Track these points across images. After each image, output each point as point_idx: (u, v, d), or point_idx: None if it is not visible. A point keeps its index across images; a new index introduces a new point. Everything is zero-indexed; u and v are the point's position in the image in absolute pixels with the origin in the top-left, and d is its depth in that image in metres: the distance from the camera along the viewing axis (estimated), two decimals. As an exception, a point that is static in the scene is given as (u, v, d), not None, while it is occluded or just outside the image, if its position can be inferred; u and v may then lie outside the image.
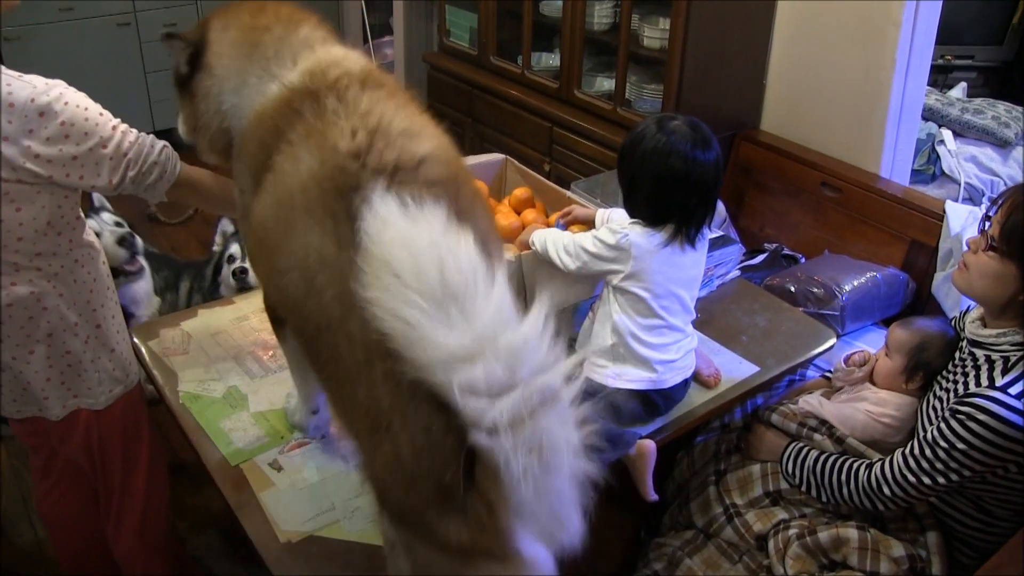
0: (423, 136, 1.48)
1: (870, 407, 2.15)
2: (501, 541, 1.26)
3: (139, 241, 2.91)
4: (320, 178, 1.40)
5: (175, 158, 1.90)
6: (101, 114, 1.79)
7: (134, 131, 1.85)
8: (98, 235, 2.59)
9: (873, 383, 2.22)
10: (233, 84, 1.65)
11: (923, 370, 2.12)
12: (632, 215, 2.03)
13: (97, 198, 2.88)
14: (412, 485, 1.28)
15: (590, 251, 1.99)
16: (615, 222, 2.08)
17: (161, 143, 1.89)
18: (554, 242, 2.06)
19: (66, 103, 1.72)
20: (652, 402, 2.05)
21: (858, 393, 2.22)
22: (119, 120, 1.83)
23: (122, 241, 2.80)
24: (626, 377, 2.01)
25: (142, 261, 2.93)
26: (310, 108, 1.49)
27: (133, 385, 2.10)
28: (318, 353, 1.44)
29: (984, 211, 1.97)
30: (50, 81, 1.74)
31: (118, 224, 2.86)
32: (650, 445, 1.98)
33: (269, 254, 1.51)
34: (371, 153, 1.40)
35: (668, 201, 1.95)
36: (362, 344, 1.29)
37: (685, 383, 2.10)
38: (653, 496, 2.00)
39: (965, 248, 2.02)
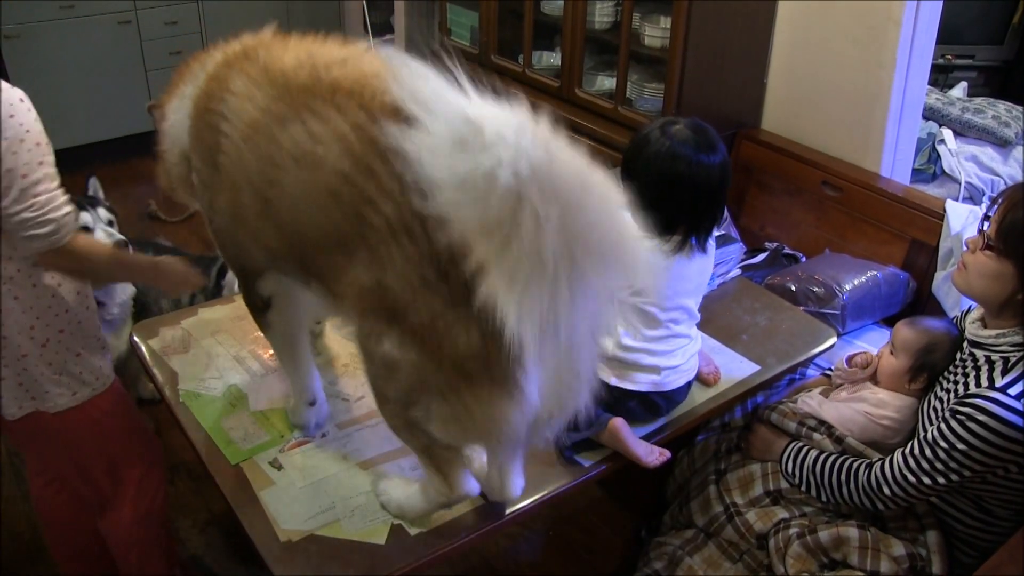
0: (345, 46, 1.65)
1: (869, 408, 2.15)
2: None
3: (130, 248, 2.74)
4: (279, 95, 1.56)
5: (71, 228, 1.84)
6: (38, 144, 1.76)
7: (57, 182, 1.81)
8: (89, 229, 2.55)
9: (875, 382, 2.22)
10: (174, 106, 1.83)
11: (928, 371, 2.12)
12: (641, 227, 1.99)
13: (93, 187, 2.81)
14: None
15: None
16: None
17: (68, 208, 1.83)
18: None
19: (11, 115, 1.70)
20: (654, 403, 2.05)
21: (857, 393, 2.21)
22: (52, 161, 1.80)
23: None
24: (629, 379, 2.01)
25: None
26: (241, 64, 1.66)
27: (102, 389, 2.07)
28: (343, 228, 1.49)
29: (984, 211, 1.97)
30: (5, 85, 1.72)
31: (111, 223, 2.76)
32: (616, 421, 1.95)
33: (255, 179, 1.60)
34: (315, 57, 1.57)
35: (675, 206, 1.90)
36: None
37: (688, 384, 2.10)
38: (654, 457, 1.96)
39: (964, 248, 2.02)
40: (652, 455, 1.96)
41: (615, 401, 2.00)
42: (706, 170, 1.88)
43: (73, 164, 5.15)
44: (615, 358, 2.01)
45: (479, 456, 1.87)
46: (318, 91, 1.50)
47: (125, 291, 2.92)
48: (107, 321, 2.76)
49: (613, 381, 2.01)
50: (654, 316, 1.97)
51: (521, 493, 1.82)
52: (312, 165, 1.49)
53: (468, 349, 1.43)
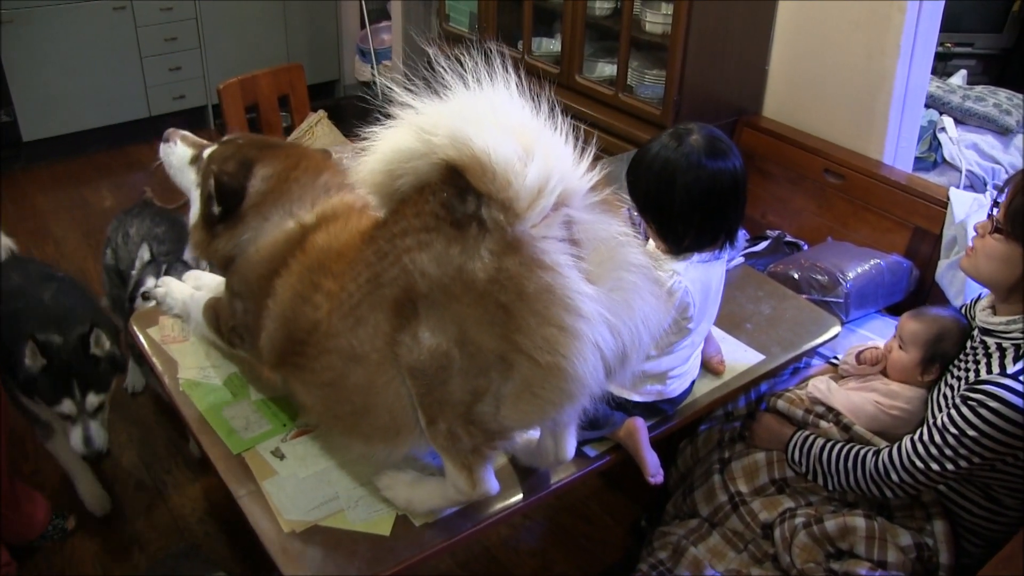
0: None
1: (880, 398, 2.14)
2: None
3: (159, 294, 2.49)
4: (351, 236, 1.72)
5: None
6: None
7: None
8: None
9: (886, 375, 2.21)
10: (257, 222, 1.84)
11: (940, 361, 2.11)
12: (684, 249, 1.92)
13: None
14: None
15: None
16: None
17: None
18: None
19: None
20: (659, 410, 2.03)
21: (868, 383, 2.20)
22: None
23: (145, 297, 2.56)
24: (636, 390, 1.99)
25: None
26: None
27: None
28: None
29: (993, 197, 1.97)
30: None
31: (149, 262, 2.69)
32: (636, 421, 1.94)
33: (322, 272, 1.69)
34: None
35: (721, 219, 1.89)
36: None
37: (691, 383, 2.09)
38: (655, 476, 1.94)
39: (974, 233, 2.02)
40: (658, 474, 1.94)
41: (621, 410, 1.99)
42: (742, 175, 1.89)
43: (68, 151, 5.13)
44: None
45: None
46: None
47: None
48: None
49: (618, 391, 2.00)
50: (690, 331, 1.95)
51: (574, 454, 1.78)
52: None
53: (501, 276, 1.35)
